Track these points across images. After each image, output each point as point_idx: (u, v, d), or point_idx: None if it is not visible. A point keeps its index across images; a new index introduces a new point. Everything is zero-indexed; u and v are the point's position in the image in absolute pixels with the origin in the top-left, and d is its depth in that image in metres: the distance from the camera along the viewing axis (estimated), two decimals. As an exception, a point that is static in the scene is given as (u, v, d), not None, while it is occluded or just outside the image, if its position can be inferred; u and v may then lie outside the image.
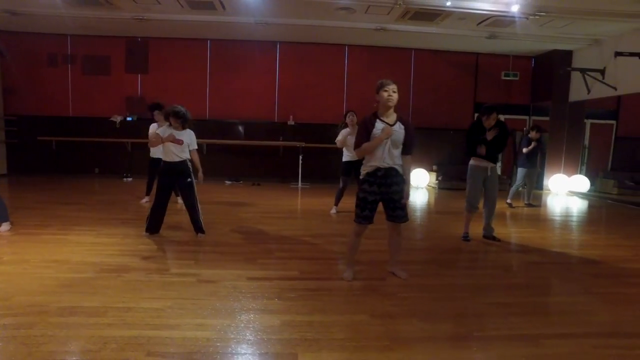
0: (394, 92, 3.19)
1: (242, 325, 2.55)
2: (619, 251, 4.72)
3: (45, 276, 3.28)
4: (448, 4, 6.61)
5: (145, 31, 9.19)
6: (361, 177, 3.31)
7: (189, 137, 4.58)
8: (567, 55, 9.69)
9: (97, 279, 3.25)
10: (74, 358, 2.13)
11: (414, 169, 9.45)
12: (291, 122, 9.98)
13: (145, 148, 9.50)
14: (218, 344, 2.32)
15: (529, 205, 7.61)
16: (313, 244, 4.51)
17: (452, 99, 10.44)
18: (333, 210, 6.30)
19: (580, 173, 10.21)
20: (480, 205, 4.84)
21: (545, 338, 2.52)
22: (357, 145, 3.25)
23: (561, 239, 5.22)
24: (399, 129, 3.22)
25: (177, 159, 4.48)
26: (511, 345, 2.44)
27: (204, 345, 2.30)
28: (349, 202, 5.39)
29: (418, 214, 6.89)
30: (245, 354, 2.24)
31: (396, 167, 3.24)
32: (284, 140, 9.88)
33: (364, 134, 3.21)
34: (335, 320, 2.64)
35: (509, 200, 7.55)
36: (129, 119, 9.88)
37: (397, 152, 3.24)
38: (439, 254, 4.40)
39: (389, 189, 3.22)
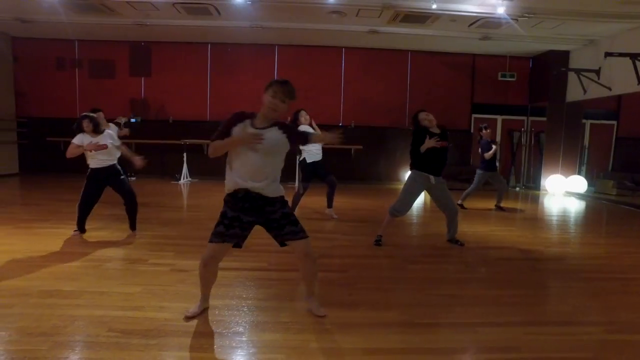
0: (283, 102, 2.45)
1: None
2: (591, 249, 4.81)
3: (32, 264, 3.57)
4: (434, 6, 6.76)
5: (148, 36, 9.55)
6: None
7: (110, 137, 4.55)
8: (564, 55, 9.71)
9: (80, 267, 3.53)
10: (42, 332, 2.38)
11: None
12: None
13: (148, 148, 9.90)
14: (174, 323, 2.55)
15: (499, 208, 7.19)
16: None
17: (448, 100, 10.53)
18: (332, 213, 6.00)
19: (580, 174, 10.18)
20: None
21: (481, 326, 2.68)
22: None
23: (537, 238, 5.31)
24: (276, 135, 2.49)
25: (108, 163, 4.51)
26: (447, 331, 2.61)
27: (161, 324, 2.53)
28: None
29: (408, 214, 7.03)
30: (195, 333, 2.46)
31: (267, 194, 2.50)
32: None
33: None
34: (285, 306, 2.85)
35: (460, 202, 7.03)
36: (133, 120, 10.24)
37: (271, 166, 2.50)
38: (409, 250, 4.57)
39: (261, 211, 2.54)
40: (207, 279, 2.64)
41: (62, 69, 10.18)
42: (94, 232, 4.74)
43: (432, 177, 4.38)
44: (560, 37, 8.56)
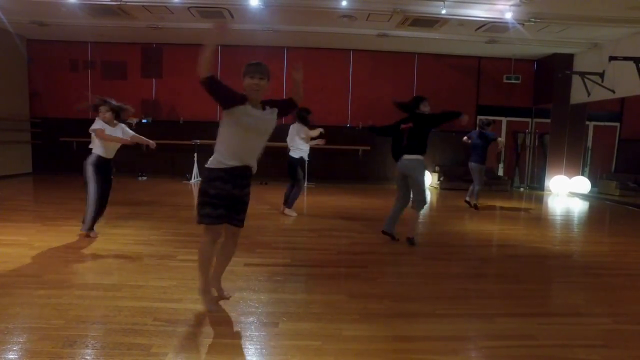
0: (261, 79, 2.58)
1: (235, 300, 2.97)
2: (596, 247, 5.01)
3: (69, 259, 3.76)
4: (443, 12, 6.94)
5: (160, 38, 9.75)
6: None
7: (122, 130, 4.56)
8: (568, 58, 9.90)
9: (113, 263, 3.72)
10: (94, 320, 2.57)
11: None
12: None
13: (159, 148, 10.07)
14: (213, 314, 2.74)
15: (474, 206, 7.27)
16: (308, 237, 4.92)
17: (454, 102, 10.65)
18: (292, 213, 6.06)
19: (583, 174, 10.37)
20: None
21: (498, 316, 2.87)
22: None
23: (545, 236, 5.50)
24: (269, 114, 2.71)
25: (113, 155, 4.55)
26: (467, 321, 2.79)
27: (201, 315, 2.72)
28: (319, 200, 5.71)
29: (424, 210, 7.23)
30: (234, 322, 2.65)
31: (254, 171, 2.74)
32: (290, 141, 10.31)
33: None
34: (315, 298, 3.04)
35: (471, 200, 7.28)
36: (144, 121, 10.44)
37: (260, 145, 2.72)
38: (424, 247, 4.76)
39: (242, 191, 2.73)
40: (210, 259, 2.78)
41: (75, 71, 10.38)
42: (118, 229, 4.93)
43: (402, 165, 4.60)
44: (565, 41, 8.76)
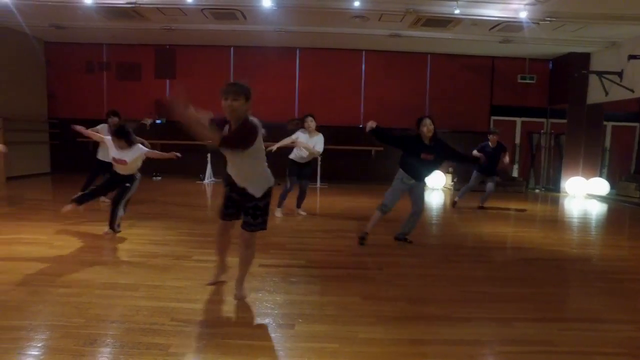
0: (235, 100, 2.63)
1: (250, 301, 2.98)
2: (615, 251, 4.90)
3: (87, 259, 3.82)
4: (457, 11, 6.88)
5: (173, 39, 9.85)
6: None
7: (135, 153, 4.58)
8: (584, 57, 9.72)
9: (130, 263, 3.77)
10: (113, 319, 2.61)
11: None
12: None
13: (172, 149, 10.17)
14: (229, 315, 2.76)
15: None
16: (322, 238, 4.93)
17: (467, 102, 10.63)
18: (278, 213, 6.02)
19: (601, 176, 10.17)
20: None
21: (517, 321, 2.83)
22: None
23: (561, 239, 5.42)
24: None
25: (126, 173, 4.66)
26: (484, 325, 2.76)
27: (217, 315, 2.75)
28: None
29: (433, 213, 7.18)
30: (250, 323, 2.67)
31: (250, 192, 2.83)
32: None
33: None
34: (330, 300, 3.04)
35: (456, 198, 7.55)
36: (158, 121, 10.56)
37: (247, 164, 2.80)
38: (439, 249, 4.74)
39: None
40: (222, 248, 3.19)
41: (90, 72, 10.55)
42: (134, 229, 4.99)
43: (413, 181, 4.52)
44: (582, 40, 8.60)
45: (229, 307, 2.87)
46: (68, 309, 2.73)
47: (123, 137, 4.48)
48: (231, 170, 2.89)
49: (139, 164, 4.75)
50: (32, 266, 3.54)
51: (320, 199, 8.15)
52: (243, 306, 2.90)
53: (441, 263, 4.18)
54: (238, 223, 3.01)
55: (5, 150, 4.82)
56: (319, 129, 6.15)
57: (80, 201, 4.55)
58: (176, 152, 4.89)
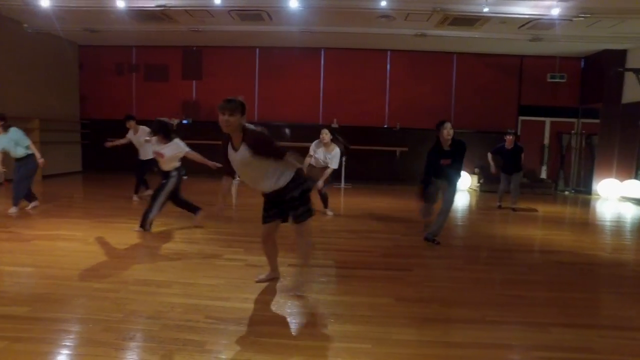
0: (231, 115, 2.75)
1: (282, 300, 3.01)
2: (655, 256, 4.71)
3: (121, 255, 3.94)
4: (486, 9, 6.75)
5: (200, 41, 10.02)
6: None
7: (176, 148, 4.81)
8: (620, 55, 9.38)
9: (163, 260, 3.86)
10: (149, 315, 2.68)
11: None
12: (335, 125, 10.42)
13: (198, 149, 10.35)
14: (261, 314, 2.79)
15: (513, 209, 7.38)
16: (348, 239, 4.92)
17: (494, 102, 10.41)
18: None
19: (636, 178, 9.78)
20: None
21: (553, 326, 2.76)
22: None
23: (595, 243, 5.24)
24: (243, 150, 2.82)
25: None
26: (520, 330, 2.71)
27: (250, 314, 2.78)
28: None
29: (459, 215, 7.07)
30: (283, 322, 2.69)
31: (279, 189, 2.95)
32: (326, 142, 10.34)
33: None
34: (361, 301, 3.04)
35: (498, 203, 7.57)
36: (184, 122, 10.78)
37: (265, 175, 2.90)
38: (468, 251, 4.66)
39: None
40: (269, 252, 3.29)
41: (120, 74, 10.85)
42: (163, 227, 5.11)
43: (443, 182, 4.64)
44: (618, 36, 8.29)
45: (261, 306, 2.91)
46: (107, 303, 2.83)
47: (159, 131, 4.69)
48: (254, 185, 3.02)
49: (177, 161, 4.90)
50: (71, 262, 3.67)
51: (344, 199, 8.14)
52: (275, 305, 2.93)
53: (471, 265, 4.12)
54: (282, 227, 3.22)
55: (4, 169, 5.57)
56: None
57: (145, 225, 4.79)
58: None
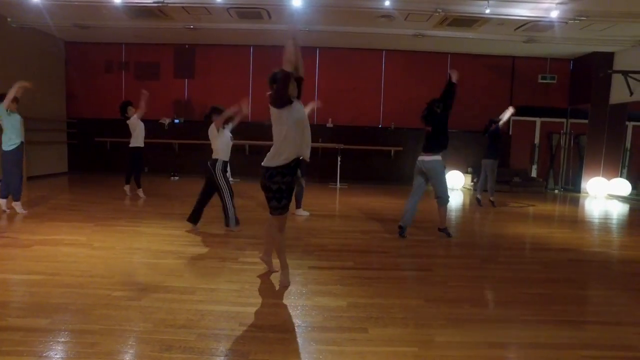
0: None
1: (313, 304, 2.93)
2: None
3: (133, 261, 3.78)
4: (487, 11, 6.81)
5: (193, 39, 9.80)
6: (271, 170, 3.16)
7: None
8: (608, 57, 9.64)
9: (177, 264, 3.71)
10: (181, 324, 2.55)
11: (450, 170, 9.61)
12: (330, 125, 10.36)
13: (191, 149, 10.14)
14: (296, 320, 2.70)
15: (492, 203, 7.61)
16: (361, 239, 4.87)
17: (487, 102, 10.53)
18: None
19: (622, 176, 10.08)
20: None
21: (587, 324, 2.78)
22: None
23: (598, 240, 5.36)
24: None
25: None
26: (557, 328, 2.70)
27: (284, 320, 2.69)
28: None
29: (454, 214, 7.12)
30: (321, 327, 2.61)
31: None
32: (322, 142, 10.26)
33: None
34: (394, 303, 2.98)
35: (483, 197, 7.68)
36: (176, 121, 10.54)
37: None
38: (481, 250, 4.68)
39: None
40: (284, 245, 3.33)
41: (109, 72, 10.51)
42: (169, 230, 4.94)
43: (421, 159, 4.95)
44: (607, 39, 8.52)
45: (291, 312, 2.82)
46: (132, 313, 2.68)
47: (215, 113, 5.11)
48: (299, 140, 3.21)
49: (217, 144, 5.15)
50: (80, 268, 3.49)
51: (340, 199, 8.09)
52: (305, 310, 2.85)
53: (488, 264, 4.12)
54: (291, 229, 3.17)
55: None
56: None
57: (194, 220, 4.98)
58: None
